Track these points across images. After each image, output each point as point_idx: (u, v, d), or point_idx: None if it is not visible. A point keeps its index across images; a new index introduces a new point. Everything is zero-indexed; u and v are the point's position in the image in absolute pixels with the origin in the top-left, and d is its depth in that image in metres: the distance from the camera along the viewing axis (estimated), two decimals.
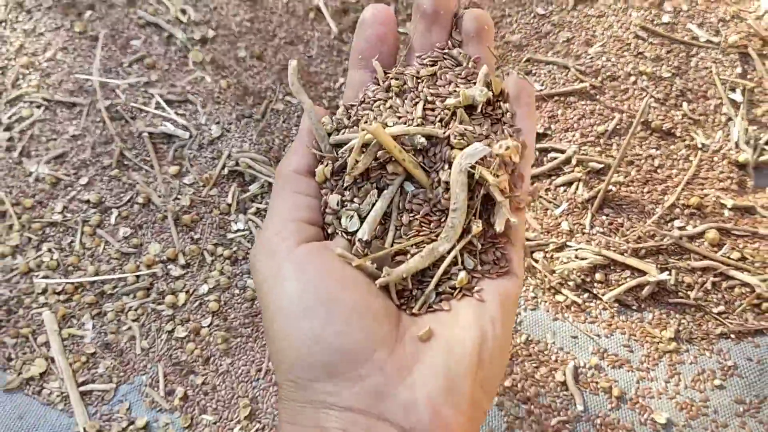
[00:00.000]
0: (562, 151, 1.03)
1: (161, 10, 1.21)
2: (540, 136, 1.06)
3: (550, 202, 1.02)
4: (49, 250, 1.01)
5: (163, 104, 1.11)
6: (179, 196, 1.04)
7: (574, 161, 1.02)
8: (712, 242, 0.96)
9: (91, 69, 1.15)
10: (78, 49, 1.18)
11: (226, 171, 1.06)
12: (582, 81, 1.07)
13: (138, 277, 0.99)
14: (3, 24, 1.21)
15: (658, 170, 1.03)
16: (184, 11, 1.18)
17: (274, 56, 1.19)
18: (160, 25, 1.18)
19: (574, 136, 1.05)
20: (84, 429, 0.88)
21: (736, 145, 1.06)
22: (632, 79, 1.09)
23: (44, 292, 0.99)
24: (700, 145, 1.05)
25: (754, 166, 1.06)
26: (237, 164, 1.06)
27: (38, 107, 1.14)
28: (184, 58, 1.16)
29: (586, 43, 1.12)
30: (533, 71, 1.11)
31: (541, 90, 1.08)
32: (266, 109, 1.09)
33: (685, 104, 1.08)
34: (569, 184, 1.03)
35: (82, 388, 0.92)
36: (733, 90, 1.11)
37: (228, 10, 1.20)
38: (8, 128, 1.11)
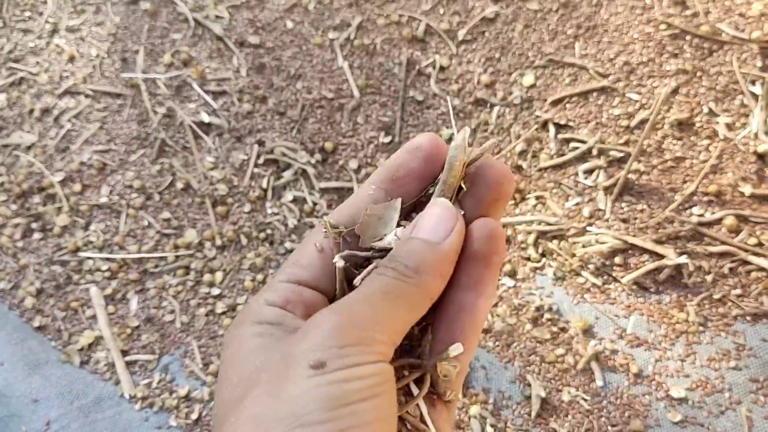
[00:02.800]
0: (584, 142, 1.08)
1: (202, 4, 1.29)
2: (561, 127, 1.11)
3: (571, 189, 1.07)
4: (96, 231, 1.09)
5: (203, 94, 1.19)
6: (217, 183, 1.11)
7: (595, 151, 1.07)
8: (729, 228, 1.01)
9: (136, 62, 1.23)
10: (122, 43, 1.26)
11: (262, 160, 1.13)
12: (599, 81, 1.11)
13: (178, 256, 1.07)
14: (51, 19, 1.30)
15: (679, 160, 1.07)
16: (219, 16, 1.25)
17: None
18: (199, 20, 1.26)
19: (596, 126, 1.10)
20: (129, 395, 0.95)
21: (756, 135, 1.10)
22: (654, 72, 1.14)
23: (91, 270, 1.07)
24: (721, 137, 1.09)
25: None
26: (272, 152, 1.13)
27: (86, 97, 1.22)
28: (224, 53, 1.23)
29: (605, 39, 1.17)
30: (554, 71, 1.16)
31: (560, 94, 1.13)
32: (301, 108, 1.16)
33: (706, 96, 1.12)
34: (590, 171, 1.08)
35: (127, 358, 1.00)
36: (753, 83, 1.15)
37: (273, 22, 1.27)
38: (58, 117, 1.20)
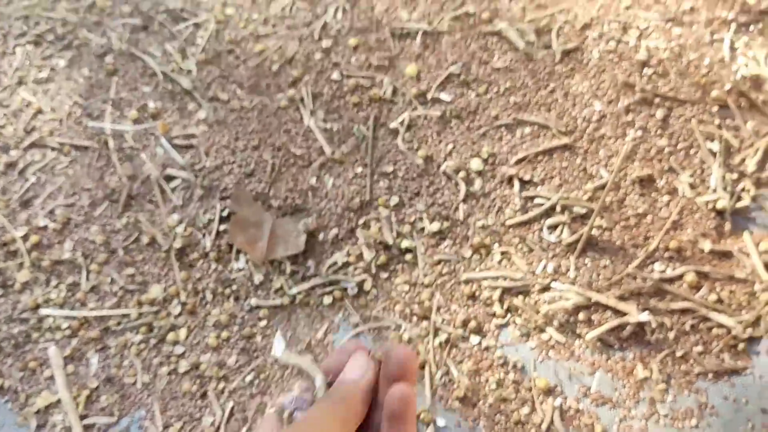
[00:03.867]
0: (548, 198, 1.10)
1: (170, 58, 1.30)
2: (526, 183, 1.13)
3: (535, 244, 1.08)
4: (57, 287, 1.08)
5: (170, 148, 1.19)
6: (182, 236, 1.10)
7: (559, 207, 1.08)
8: (690, 285, 1.02)
9: (103, 115, 1.24)
10: (89, 96, 1.26)
11: (226, 212, 1.13)
12: (561, 139, 1.14)
13: (141, 313, 1.05)
14: (18, 71, 1.30)
15: (641, 217, 1.09)
16: (186, 70, 1.27)
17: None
18: (167, 74, 1.27)
19: (560, 183, 1.12)
20: None
21: (714, 191, 1.13)
22: (616, 130, 1.17)
23: (51, 328, 1.05)
24: (681, 194, 1.11)
25: (731, 212, 1.12)
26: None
27: (52, 150, 1.21)
28: (190, 106, 1.24)
29: (569, 97, 1.20)
30: (516, 130, 1.18)
31: (524, 153, 1.16)
32: (271, 168, 1.16)
33: (666, 154, 1.15)
34: (555, 227, 1.09)
35: (85, 422, 0.98)
36: (711, 140, 1.18)
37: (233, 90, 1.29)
38: (23, 170, 1.19)
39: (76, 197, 1.17)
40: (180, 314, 1.06)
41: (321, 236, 1.12)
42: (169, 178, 1.18)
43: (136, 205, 1.16)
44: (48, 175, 1.20)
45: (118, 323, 1.06)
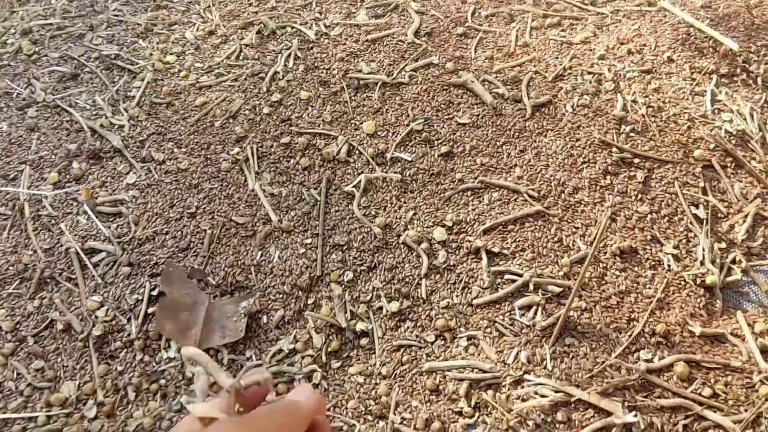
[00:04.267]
0: (519, 275, 0.98)
1: (100, 112, 1.16)
2: (494, 255, 1.01)
3: (506, 328, 0.95)
4: None
5: (93, 217, 1.05)
6: (103, 322, 0.96)
7: (532, 285, 0.96)
8: (681, 376, 0.91)
9: (20, 177, 1.09)
10: (6, 155, 1.12)
11: (156, 291, 0.99)
12: (533, 205, 1.02)
13: (50, 417, 0.90)
14: None
15: (623, 294, 0.98)
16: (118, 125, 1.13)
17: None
18: (96, 129, 1.13)
19: (533, 256, 1.00)
20: None
21: (702, 263, 1.02)
22: (592, 196, 1.05)
23: None
24: (666, 267, 1.00)
25: (721, 286, 1.01)
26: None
27: None
28: (120, 167, 1.10)
29: (542, 157, 1.09)
30: (483, 195, 1.07)
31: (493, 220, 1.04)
32: (215, 236, 1.03)
33: (649, 222, 1.04)
34: (528, 308, 0.97)
35: None
36: (696, 206, 1.07)
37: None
38: None
39: None
40: (96, 417, 0.91)
41: (264, 319, 0.98)
42: (92, 252, 1.03)
43: (52, 283, 1.01)
44: None
45: (24, 429, 0.90)
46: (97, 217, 1.06)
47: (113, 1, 1.37)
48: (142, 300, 0.99)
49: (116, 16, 1.33)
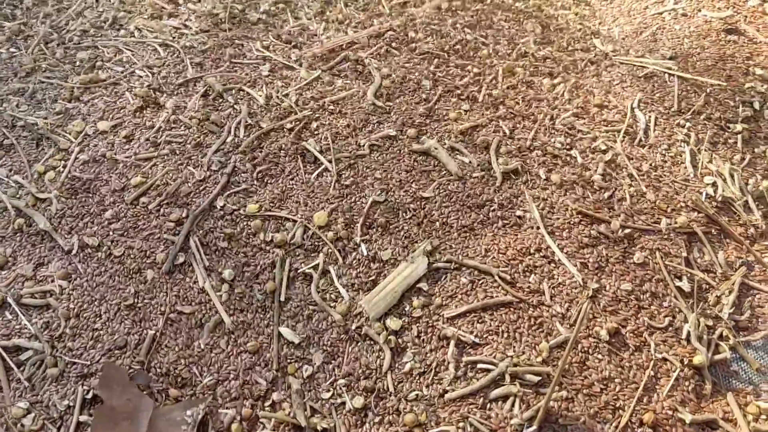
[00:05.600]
0: (494, 364, 0.99)
1: (24, 189, 1.15)
2: (466, 344, 1.02)
3: (482, 424, 0.96)
4: None
5: (19, 310, 1.03)
6: (30, 431, 0.94)
7: (508, 376, 0.97)
8: None
9: None
10: None
11: (90, 395, 0.97)
12: (508, 288, 1.04)
13: None
14: None
15: (607, 381, 1.00)
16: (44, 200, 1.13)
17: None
18: (21, 209, 1.12)
19: (507, 342, 1.01)
20: None
21: (688, 342, 1.04)
22: (569, 273, 1.08)
23: None
24: (652, 348, 1.03)
25: (709, 365, 1.04)
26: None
27: None
28: (48, 253, 1.09)
29: (517, 231, 1.11)
30: (456, 276, 1.08)
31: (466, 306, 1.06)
32: (158, 331, 1.02)
33: (633, 300, 1.07)
34: (504, 399, 0.98)
35: None
36: (680, 278, 1.11)
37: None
38: None
39: None
40: None
41: (215, 424, 0.97)
42: (17, 350, 1.01)
43: None
44: None
45: None
46: (21, 311, 1.04)
47: (43, 62, 1.38)
48: (73, 406, 0.97)
49: (47, 79, 1.34)
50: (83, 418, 0.97)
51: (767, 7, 1.60)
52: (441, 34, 1.46)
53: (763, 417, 1.01)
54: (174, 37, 1.42)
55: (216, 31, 1.44)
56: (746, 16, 1.55)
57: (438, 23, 1.49)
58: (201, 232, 1.13)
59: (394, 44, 1.42)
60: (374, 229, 1.13)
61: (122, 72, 1.35)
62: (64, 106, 1.29)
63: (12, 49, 1.44)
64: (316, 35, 1.43)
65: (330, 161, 1.19)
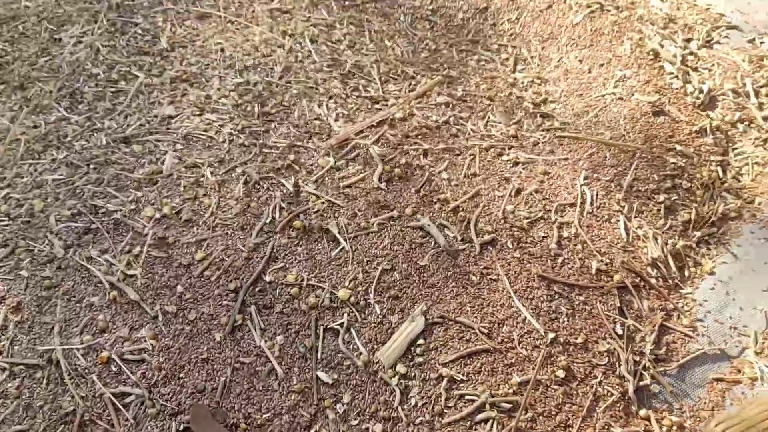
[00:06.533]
0: (478, 396, 1.32)
1: (115, 267, 1.47)
2: (455, 381, 1.35)
3: None
4: None
5: (120, 364, 1.35)
6: None
7: (487, 407, 1.31)
8: None
9: (52, 333, 1.38)
10: (38, 312, 1.41)
11: (182, 427, 1.29)
12: (485, 341, 1.38)
13: None
14: None
15: (561, 405, 1.34)
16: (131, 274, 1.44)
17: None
18: (114, 283, 1.43)
19: (487, 378, 1.35)
20: None
21: (621, 376, 1.39)
22: (530, 325, 1.42)
23: None
24: (595, 378, 1.37)
25: (635, 389, 1.38)
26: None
27: (2, 371, 1.35)
28: (139, 319, 1.40)
29: (493, 294, 1.45)
30: (441, 327, 1.42)
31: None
32: (223, 385, 1.34)
33: (580, 343, 1.41)
34: (486, 421, 1.32)
35: None
36: (614, 324, 1.45)
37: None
38: None
39: (31, 421, 1.30)
40: None
41: None
42: (123, 395, 1.33)
43: (91, 426, 1.30)
44: (1, 399, 1.33)
45: None
46: (124, 365, 1.36)
47: (112, 154, 1.69)
48: None
49: (118, 171, 1.65)
50: None
51: (688, 89, 1.96)
52: (428, 124, 1.79)
53: (675, 428, 1.36)
54: (217, 131, 1.74)
55: (248, 123, 1.75)
56: (670, 98, 1.89)
57: (425, 109, 1.82)
58: (253, 298, 1.45)
59: (391, 132, 1.74)
60: (384, 293, 1.47)
61: (178, 163, 1.66)
62: (135, 195, 1.60)
63: (83, 142, 1.75)
64: (329, 125, 1.76)
65: (346, 240, 1.52)
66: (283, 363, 1.37)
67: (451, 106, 1.86)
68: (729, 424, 1.26)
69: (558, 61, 2.07)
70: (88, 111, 1.84)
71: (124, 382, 1.35)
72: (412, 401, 1.34)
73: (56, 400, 1.33)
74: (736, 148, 1.86)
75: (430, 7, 2.26)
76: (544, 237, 1.55)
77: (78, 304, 1.44)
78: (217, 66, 1.93)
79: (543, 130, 1.80)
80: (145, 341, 1.39)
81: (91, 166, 1.68)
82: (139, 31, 2.07)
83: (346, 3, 2.24)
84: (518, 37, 2.17)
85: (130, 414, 1.31)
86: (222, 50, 1.99)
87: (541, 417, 1.33)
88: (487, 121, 1.80)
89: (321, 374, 1.36)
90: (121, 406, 1.32)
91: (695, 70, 2.02)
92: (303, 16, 2.13)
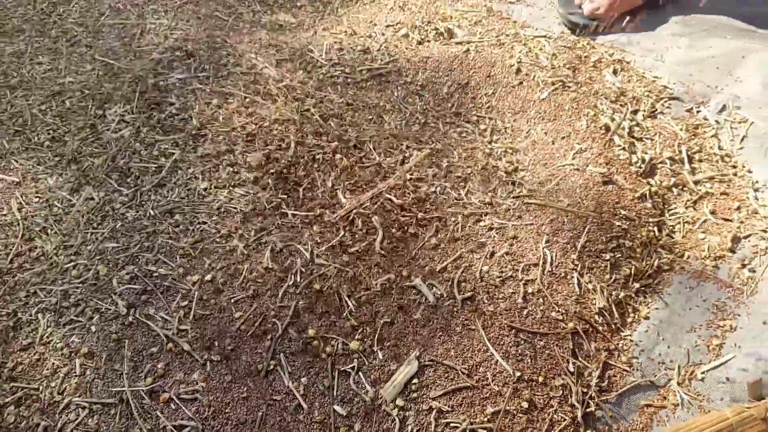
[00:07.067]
0: (460, 424, 1.69)
1: (170, 323, 1.82)
2: (443, 412, 1.72)
3: None
4: None
5: (178, 402, 1.70)
6: None
7: (468, 430, 1.68)
8: None
9: (121, 378, 1.73)
10: (108, 362, 1.76)
11: None
12: (465, 380, 1.75)
13: None
14: (44, 338, 1.78)
15: (524, 430, 1.70)
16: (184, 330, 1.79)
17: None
18: (169, 336, 1.79)
19: (467, 411, 1.71)
20: None
21: (572, 405, 1.75)
22: (501, 366, 1.78)
23: None
24: (552, 408, 1.73)
25: (583, 415, 1.75)
26: None
27: (82, 409, 1.70)
28: (192, 366, 1.76)
29: (473, 342, 1.81)
30: (431, 369, 1.78)
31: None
32: (264, 415, 1.69)
33: (541, 380, 1.77)
34: None
35: None
36: (568, 363, 1.82)
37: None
38: (61, 429, 1.66)
39: None
40: None
41: None
42: (181, 428, 1.68)
43: None
44: (82, 430, 1.67)
45: None
46: (181, 403, 1.71)
47: (159, 224, 2.03)
48: None
49: (164, 240, 2.00)
50: None
51: (632, 158, 2.33)
52: (418, 195, 2.15)
53: None
54: (245, 204, 2.09)
55: (269, 197, 2.11)
56: (617, 168, 2.27)
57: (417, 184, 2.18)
58: (281, 347, 1.81)
59: (388, 203, 2.11)
60: (385, 342, 1.83)
61: (215, 234, 2.02)
62: (181, 261, 1.96)
63: (133, 213, 2.10)
64: (337, 197, 2.12)
65: (353, 300, 1.88)
66: (306, 399, 1.73)
67: (437, 176, 2.22)
68: None
69: (527, 132, 2.44)
70: (135, 185, 2.18)
71: (182, 416, 1.70)
72: (409, 428, 1.70)
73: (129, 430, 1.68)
74: (671, 209, 2.23)
75: (419, 83, 2.62)
76: (512, 293, 1.91)
77: (141, 354, 1.79)
78: (240, 141, 2.29)
79: (513, 197, 2.17)
80: (197, 384, 1.74)
81: (143, 236, 2.03)
82: (174, 111, 2.42)
83: (348, 81, 2.60)
84: (494, 110, 2.54)
85: None
86: (243, 127, 2.34)
87: None
88: (468, 190, 2.16)
89: (337, 407, 1.72)
90: None
91: (640, 140, 2.40)
92: (313, 94, 2.49)
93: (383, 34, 2.87)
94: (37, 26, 2.99)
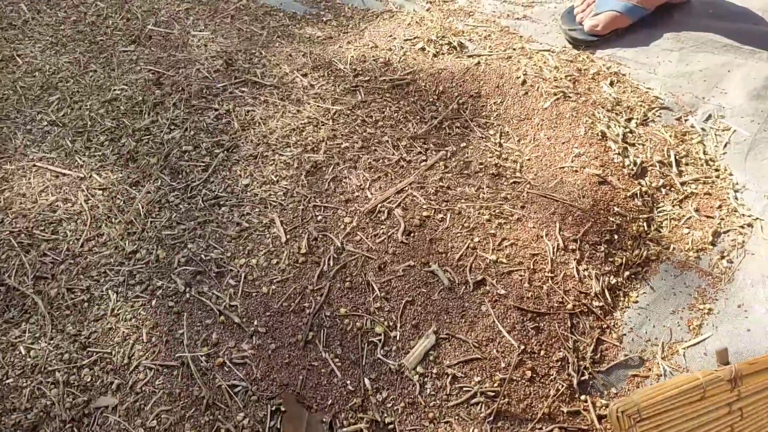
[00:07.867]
0: (472, 387, 1.94)
1: (222, 299, 2.08)
2: (456, 377, 1.97)
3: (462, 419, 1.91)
4: None
5: (231, 365, 1.96)
6: (246, 427, 1.86)
7: (478, 395, 1.93)
8: None
9: (183, 346, 1.99)
10: (170, 332, 2.02)
11: (275, 408, 1.90)
12: (477, 352, 2.00)
13: None
14: (114, 311, 2.04)
15: (528, 391, 1.95)
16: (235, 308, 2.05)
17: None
18: (221, 311, 2.04)
19: (478, 377, 1.97)
20: None
21: (568, 374, 2.00)
22: (510, 344, 2.03)
23: None
24: (552, 376, 1.98)
25: (578, 383, 2.00)
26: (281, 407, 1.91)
27: (150, 370, 1.96)
28: (241, 336, 2.01)
29: (486, 330, 2.07)
30: (447, 341, 2.03)
31: None
32: (304, 377, 1.95)
33: (544, 352, 2.02)
34: (477, 404, 1.93)
35: None
36: (566, 339, 2.07)
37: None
38: (132, 386, 1.92)
39: (172, 404, 1.91)
40: None
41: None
42: (233, 387, 1.94)
43: (214, 407, 1.91)
44: (150, 387, 1.93)
45: None
46: (233, 366, 1.97)
47: (209, 215, 2.29)
48: (266, 414, 1.90)
49: (216, 229, 2.26)
50: (271, 423, 1.90)
51: (625, 162, 2.58)
52: (436, 190, 2.40)
53: (603, 407, 1.98)
54: (283, 197, 2.35)
55: (304, 191, 2.36)
56: (612, 171, 2.51)
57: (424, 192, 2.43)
58: (317, 321, 2.07)
59: (409, 197, 2.36)
60: (406, 318, 2.08)
61: (257, 223, 2.27)
62: (228, 246, 2.21)
63: (184, 204, 2.36)
64: (365, 192, 2.37)
65: (378, 283, 2.14)
66: (340, 367, 1.99)
67: (453, 174, 2.48)
68: (623, 405, 1.85)
69: (532, 137, 2.68)
70: (186, 180, 2.45)
71: (234, 378, 1.96)
72: (427, 391, 1.95)
73: (189, 389, 1.93)
74: (659, 207, 2.48)
75: (436, 92, 2.88)
76: (519, 278, 2.17)
77: (197, 325, 2.05)
78: (276, 143, 2.55)
79: (519, 193, 2.42)
80: (246, 351, 2.00)
81: (195, 224, 2.29)
82: (217, 115, 2.68)
83: (371, 89, 2.86)
84: (502, 117, 2.79)
85: (239, 399, 1.92)
86: (278, 129, 2.60)
87: (513, 401, 1.94)
88: (479, 186, 2.42)
89: (365, 374, 1.98)
90: (233, 393, 1.93)
91: (632, 145, 2.64)
92: (339, 101, 2.75)
93: (402, 48, 3.12)
94: (89, 36, 3.26)
